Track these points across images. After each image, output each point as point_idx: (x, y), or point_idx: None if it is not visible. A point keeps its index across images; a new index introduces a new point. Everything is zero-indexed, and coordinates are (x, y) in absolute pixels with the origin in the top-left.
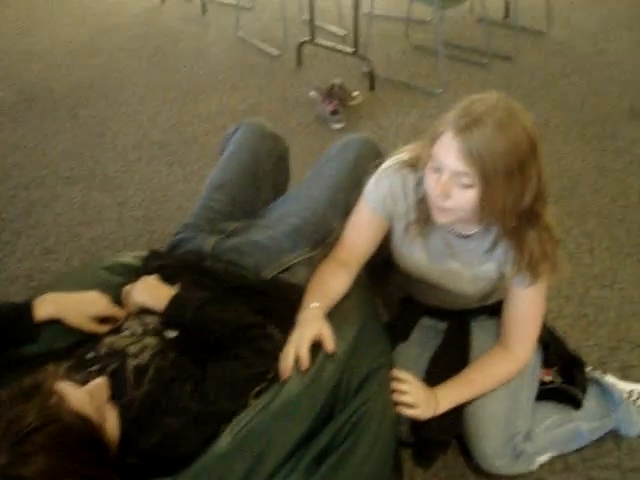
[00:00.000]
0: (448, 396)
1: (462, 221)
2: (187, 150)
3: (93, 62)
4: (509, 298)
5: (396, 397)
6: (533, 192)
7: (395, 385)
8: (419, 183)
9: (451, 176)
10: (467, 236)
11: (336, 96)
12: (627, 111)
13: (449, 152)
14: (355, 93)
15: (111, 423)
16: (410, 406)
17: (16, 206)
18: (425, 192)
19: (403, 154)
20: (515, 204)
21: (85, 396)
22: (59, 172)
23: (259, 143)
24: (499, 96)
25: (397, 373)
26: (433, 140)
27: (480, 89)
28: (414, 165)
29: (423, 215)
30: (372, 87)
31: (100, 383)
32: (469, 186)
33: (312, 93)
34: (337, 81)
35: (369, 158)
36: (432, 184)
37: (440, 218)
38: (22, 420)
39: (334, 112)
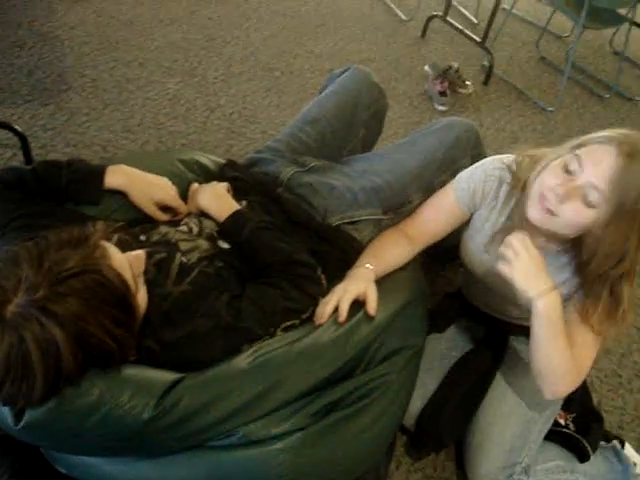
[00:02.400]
0: (556, 301)
1: (550, 234)
2: (289, 80)
3: None
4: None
5: (503, 250)
6: None
7: (512, 240)
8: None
9: (584, 186)
10: (541, 248)
11: (449, 78)
12: None
13: (601, 166)
14: (468, 82)
15: (142, 296)
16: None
17: (113, 78)
18: (528, 191)
19: (507, 157)
20: (620, 251)
21: (125, 261)
22: (161, 60)
23: (364, 90)
24: None
25: (521, 236)
26: (579, 146)
27: (592, 121)
28: (517, 177)
29: (515, 220)
30: (486, 82)
31: (140, 254)
32: (592, 206)
33: (427, 68)
34: (455, 64)
35: (468, 145)
36: (555, 181)
37: (536, 215)
38: (65, 264)
39: (442, 93)
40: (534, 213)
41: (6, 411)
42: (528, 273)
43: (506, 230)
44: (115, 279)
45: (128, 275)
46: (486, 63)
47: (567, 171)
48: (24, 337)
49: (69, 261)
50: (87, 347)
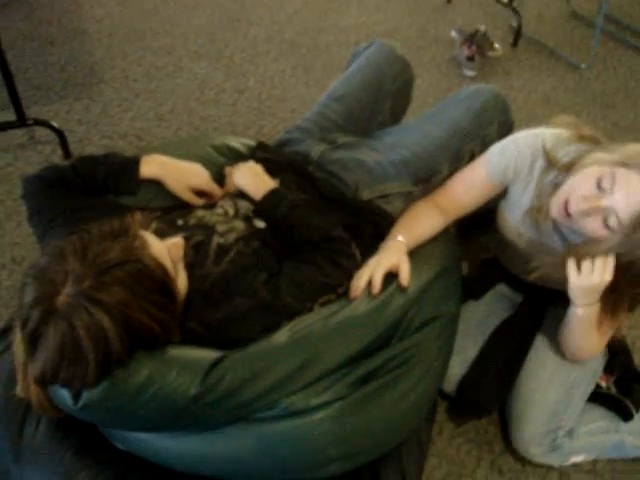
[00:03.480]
0: (593, 311)
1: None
2: (316, 56)
3: None
4: None
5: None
6: None
7: (598, 262)
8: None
9: (608, 209)
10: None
11: (477, 42)
12: None
13: (629, 196)
14: (496, 45)
15: (181, 281)
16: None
17: (142, 68)
18: (562, 187)
19: (540, 130)
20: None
21: (164, 248)
22: (188, 45)
23: (388, 64)
24: None
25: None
26: (622, 164)
27: (628, 76)
28: (552, 156)
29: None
30: (515, 43)
31: (177, 241)
32: (611, 230)
33: (453, 33)
34: (482, 28)
35: (495, 112)
36: (584, 192)
37: (555, 212)
38: (107, 254)
39: (470, 58)
40: (555, 210)
41: (65, 393)
42: (588, 289)
43: (537, 210)
44: (155, 267)
45: (167, 262)
46: (514, 24)
47: (599, 186)
48: (75, 325)
49: (111, 252)
50: (133, 331)
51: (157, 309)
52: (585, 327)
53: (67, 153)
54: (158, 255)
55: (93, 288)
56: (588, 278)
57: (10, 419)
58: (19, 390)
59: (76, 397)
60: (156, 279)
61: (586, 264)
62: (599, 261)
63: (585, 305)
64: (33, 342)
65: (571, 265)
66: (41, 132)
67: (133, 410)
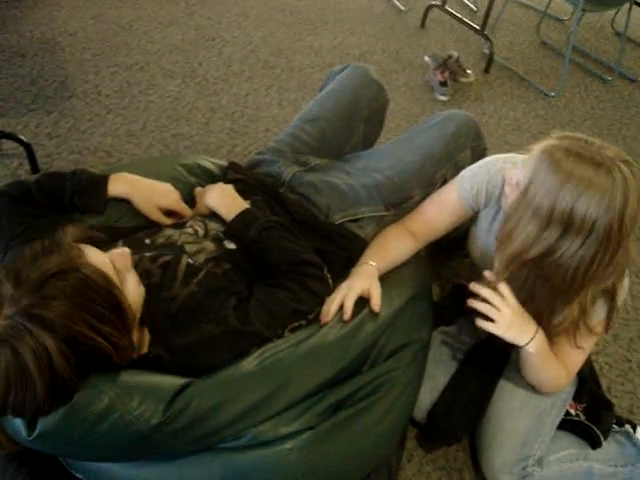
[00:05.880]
0: (543, 340)
1: None
2: (289, 77)
3: None
4: None
5: (483, 308)
6: None
7: (489, 295)
8: None
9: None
10: None
11: (450, 68)
12: None
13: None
14: (469, 71)
15: (132, 292)
16: (491, 320)
17: (114, 83)
18: None
19: (512, 156)
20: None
21: (104, 257)
22: (162, 63)
23: (363, 88)
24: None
25: (501, 287)
26: None
27: (595, 104)
28: None
29: None
30: (487, 70)
31: (122, 250)
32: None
33: (427, 58)
34: (455, 53)
35: (468, 138)
36: None
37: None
38: (43, 268)
39: (443, 83)
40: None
41: (19, 423)
42: (513, 326)
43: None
44: (95, 276)
45: (109, 270)
46: (486, 51)
47: None
48: (17, 349)
49: (47, 265)
50: (79, 348)
51: (102, 322)
52: (542, 360)
53: (35, 167)
54: (98, 263)
55: (31, 305)
56: (500, 317)
57: None
58: None
59: (31, 426)
60: (98, 289)
61: (487, 310)
62: (490, 296)
63: (530, 339)
64: None
65: (481, 322)
66: (8, 145)
67: (92, 439)
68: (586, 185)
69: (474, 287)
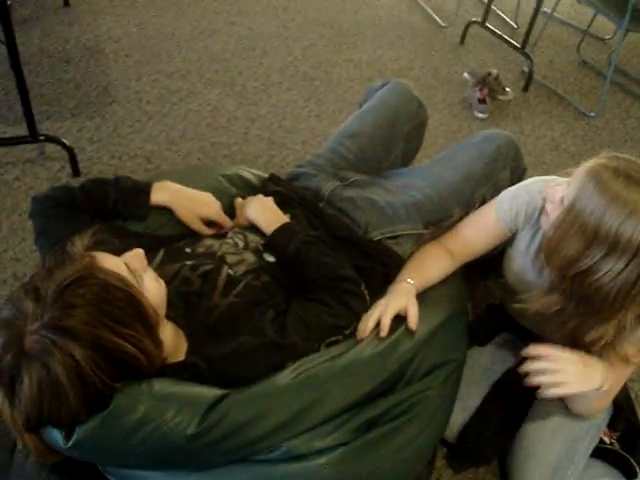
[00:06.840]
0: (607, 374)
1: None
2: (328, 90)
3: None
4: None
5: (546, 380)
6: None
7: (543, 365)
8: None
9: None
10: None
11: (489, 86)
12: None
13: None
14: (508, 89)
15: (151, 289)
16: (559, 384)
17: (156, 91)
18: None
19: (552, 178)
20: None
21: (119, 261)
22: (203, 71)
23: (403, 104)
24: None
25: (538, 349)
26: None
27: (635, 127)
28: None
29: None
30: (526, 88)
31: (136, 252)
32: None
33: (466, 75)
34: (494, 71)
35: (508, 158)
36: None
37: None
38: (59, 279)
39: (482, 101)
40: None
41: (56, 432)
42: (582, 377)
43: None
44: (111, 278)
45: (124, 272)
46: (526, 69)
47: None
48: (47, 363)
49: (62, 277)
50: (106, 353)
51: (124, 326)
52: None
53: (76, 171)
54: (112, 267)
55: (54, 317)
56: (562, 377)
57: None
58: (19, 443)
59: (68, 436)
60: (116, 292)
61: (545, 378)
62: (539, 364)
63: (603, 382)
64: (11, 390)
65: (550, 391)
66: (51, 148)
67: (127, 448)
68: (633, 207)
69: (526, 355)
